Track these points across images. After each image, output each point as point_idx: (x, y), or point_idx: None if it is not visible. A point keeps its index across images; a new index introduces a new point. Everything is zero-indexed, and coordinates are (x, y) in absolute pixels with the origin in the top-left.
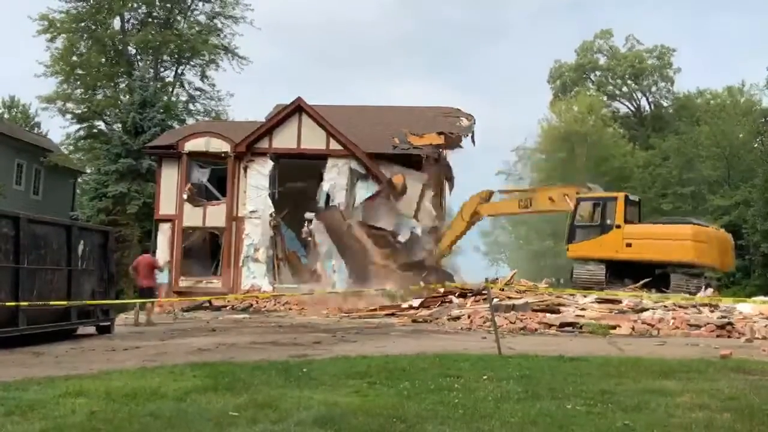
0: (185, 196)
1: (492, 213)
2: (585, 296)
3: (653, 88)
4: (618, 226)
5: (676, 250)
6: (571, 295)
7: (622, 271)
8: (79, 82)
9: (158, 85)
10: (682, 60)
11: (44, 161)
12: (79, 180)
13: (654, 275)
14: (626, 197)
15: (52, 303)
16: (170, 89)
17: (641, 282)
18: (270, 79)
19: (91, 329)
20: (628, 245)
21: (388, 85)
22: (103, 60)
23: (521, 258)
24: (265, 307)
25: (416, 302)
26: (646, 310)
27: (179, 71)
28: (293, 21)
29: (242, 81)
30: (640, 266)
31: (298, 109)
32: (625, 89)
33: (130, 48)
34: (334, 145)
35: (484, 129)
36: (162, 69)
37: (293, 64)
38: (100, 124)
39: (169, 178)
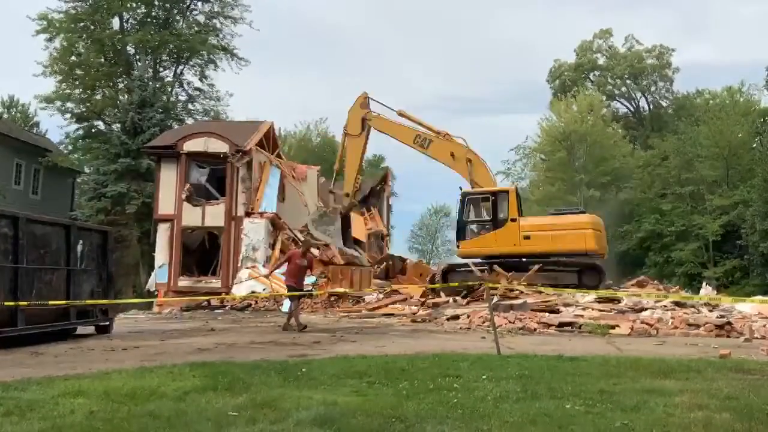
0: (184, 196)
1: (382, 129)
2: (584, 296)
3: (652, 88)
4: (513, 220)
5: (577, 240)
6: (570, 294)
7: (518, 265)
8: (78, 82)
9: (157, 85)
10: (681, 60)
11: (43, 161)
12: (78, 180)
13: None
14: (517, 189)
15: (51, 303)
16: (169, 89)
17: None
18: (269, 77)
19: (90, 329)
20: (527, 238)
21: (387, 86)
22: (102, 60)
23: None
24: (264, 306)
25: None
26: (645, 309)
27: (178, 71)
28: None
29: (243, 79)
30: (538, 258)
31: None
32: (624, 89)
33: (129, 48)
34: None
35: (486, 126)
36: (161, 69)
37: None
38: (99, 124)
39: (168, 178)
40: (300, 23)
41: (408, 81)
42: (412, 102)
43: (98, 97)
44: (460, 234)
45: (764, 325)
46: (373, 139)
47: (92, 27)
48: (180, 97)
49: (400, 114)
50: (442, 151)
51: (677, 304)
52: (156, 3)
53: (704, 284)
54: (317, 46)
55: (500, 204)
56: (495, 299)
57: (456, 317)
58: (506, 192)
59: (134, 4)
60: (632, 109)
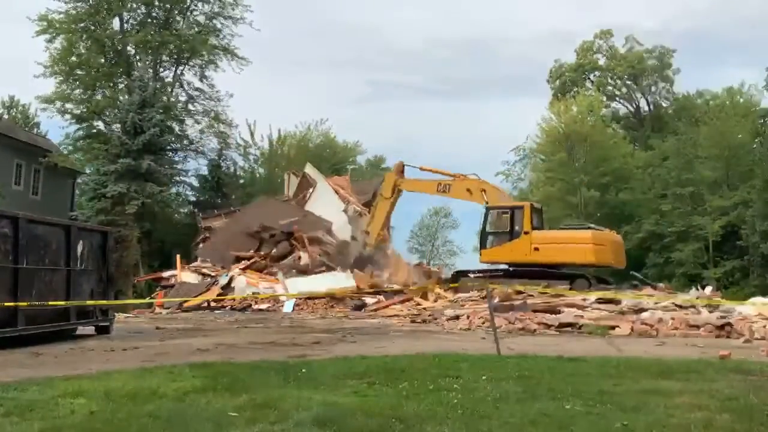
0: None
1: (411, 189)
2: (585, 297)
3: (653, 89)
4: (526, 233)
5: (578, 253)
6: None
7: (527, 273)
8: (78, 83)
9: (157, 86)
10: (681, 61)
11: (43, 161)
12: (78, 180)
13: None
14: (532, 206)
15: (50, 303)
16: (169, 89)
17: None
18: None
19: (91, 329)
20: (536, 249)
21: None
22: (102, 60)
23: None
24: (265, 307)
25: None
26: (646, 310)
27: (178, 71)
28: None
29: (244, 79)
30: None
31: None
32: (624, 90)
33: (129, 48)
34: None
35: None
36: (161, 69)
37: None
38: (99, 125)
39: None
40: (297, 16)
41: (406, 65)
42: (410, 86)
43: (98, 97)
44: (483, 243)
45: (764, 326)
46: (374, 140)
47: (92, 27)
48: (180, 98)
49: (422, 169)
50: (460, 191)
51: (677, 305)
52: (156, 3)
53: (705, 285)
54: (316, 40)
55: (516, 218)
56: (495, 300)
57: (456, 318)
58: (522, 208)
59: (134, 5)
60: (632, 109)
